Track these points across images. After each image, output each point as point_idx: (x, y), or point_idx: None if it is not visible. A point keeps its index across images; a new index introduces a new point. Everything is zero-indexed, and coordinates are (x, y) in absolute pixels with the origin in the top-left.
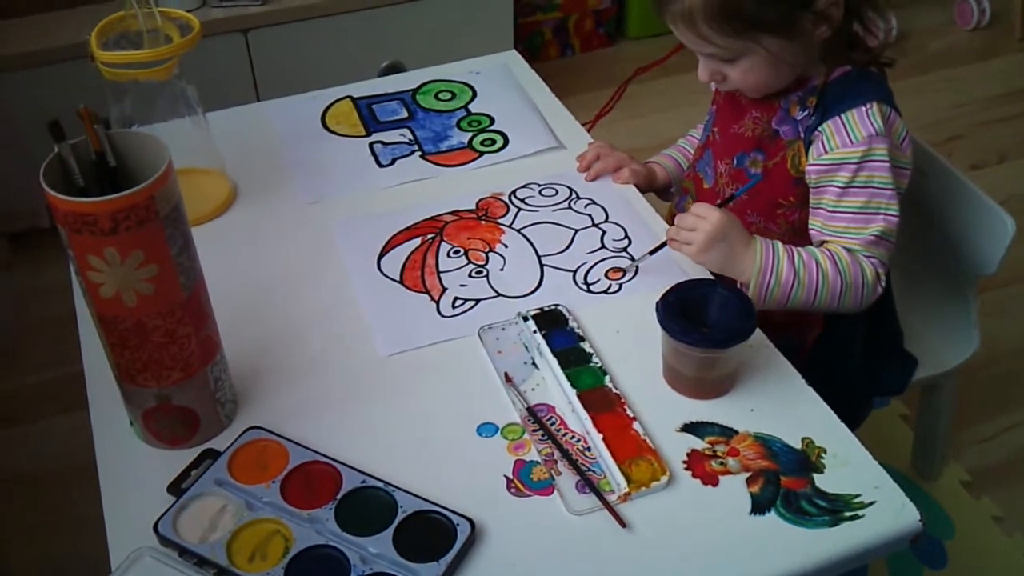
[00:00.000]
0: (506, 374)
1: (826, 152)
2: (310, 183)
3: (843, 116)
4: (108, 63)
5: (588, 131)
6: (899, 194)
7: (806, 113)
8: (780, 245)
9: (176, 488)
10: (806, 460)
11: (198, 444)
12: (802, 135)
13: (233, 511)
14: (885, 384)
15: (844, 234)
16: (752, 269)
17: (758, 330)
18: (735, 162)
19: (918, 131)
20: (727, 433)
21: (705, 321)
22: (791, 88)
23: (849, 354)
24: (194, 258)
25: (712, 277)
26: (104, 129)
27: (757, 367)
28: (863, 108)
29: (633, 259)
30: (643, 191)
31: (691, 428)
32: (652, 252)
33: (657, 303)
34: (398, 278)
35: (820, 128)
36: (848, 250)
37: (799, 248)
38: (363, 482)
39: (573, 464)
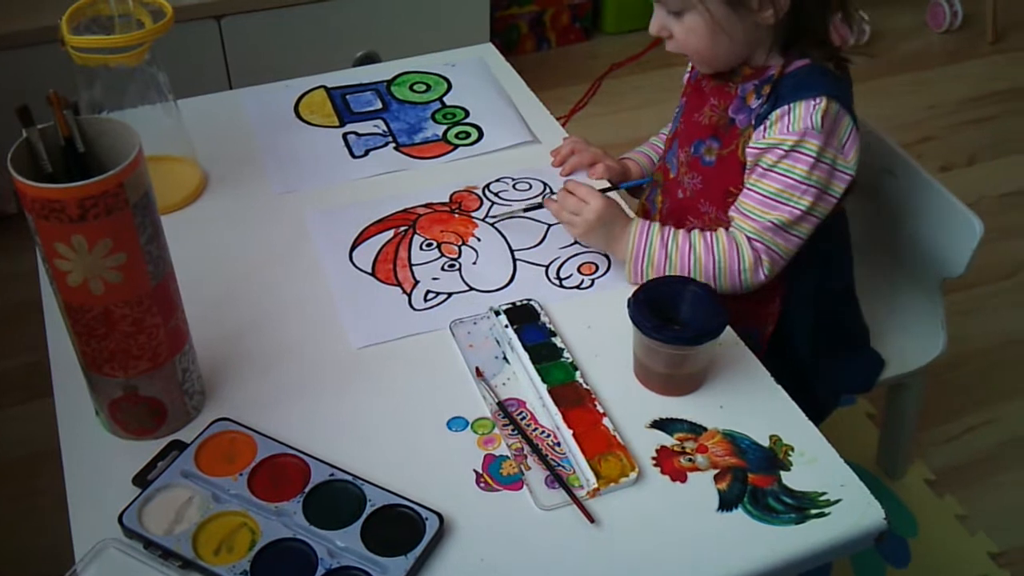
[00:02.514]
0: (477, 368)
1: (765, 137)
2: (282, 173)
3: (791, 105)
4: (79, 48)
5: (563, 126)
6: (826, 194)
7: (760, 101)
8: (657, 227)
9: (142, 479)
10: (774, 457)
11: (165, 435)
12: (753, 123)
13: (199, 503)
14: (852, 382)
15: (747, 213)
16: (626, 250)
17: (728, 328)
18: (692, 150)
19: (889, 132)
20: (696, 430)
21: (676, 318)
22: (748, 76)
23: (799, 352)
24: (163, 247)
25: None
26: (73, 114)
27: (727, 364)
28: (811, 102)
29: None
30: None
31: (660, 424)
32: (526, 210)
33: (629, 299)
34: (370, 270)
35: (769, 116)
36: (734, 235)
37: (679, 231)
38: (332, 475)
39: (543, 459)
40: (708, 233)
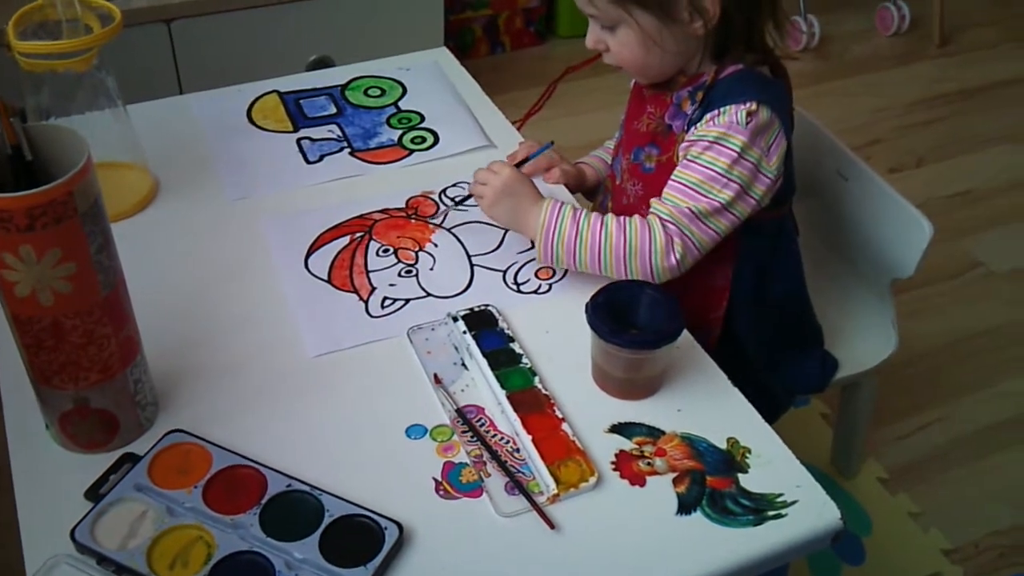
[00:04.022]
0: (435, 375)
1: (693, 134)
2: (235, 179)
3: (722, 108)
4: (25, 53)
5: (518, 129)
6: (747, 194)
7: (695, 107)
8: (569, 206)
9: (94, 494)
10: (731, 460)
11: (117, 448)
12: (687, 128)
13: (153, 517)
14: (806, 383)
15: (666, 199)
16: (537, 224)
17: (685, 331)
18: (632, 157)
19: (839, 134)
20: (654, 433)
21: (634, 322)
22: (683, 83)
23: (749, 355)
24: (114, 256)
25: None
26: (20, 122)
27: (684, 368)
28: (741, 105)
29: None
30: (573, 191)
31: (619, 429)
32: (460, 202)
33: (587, 304)
34: (326, 277)
35: (700, 119)
36: (648, 218)
37: (593, 212)
38: (289, 486)
39: (502, 466)
40: (623, 216)
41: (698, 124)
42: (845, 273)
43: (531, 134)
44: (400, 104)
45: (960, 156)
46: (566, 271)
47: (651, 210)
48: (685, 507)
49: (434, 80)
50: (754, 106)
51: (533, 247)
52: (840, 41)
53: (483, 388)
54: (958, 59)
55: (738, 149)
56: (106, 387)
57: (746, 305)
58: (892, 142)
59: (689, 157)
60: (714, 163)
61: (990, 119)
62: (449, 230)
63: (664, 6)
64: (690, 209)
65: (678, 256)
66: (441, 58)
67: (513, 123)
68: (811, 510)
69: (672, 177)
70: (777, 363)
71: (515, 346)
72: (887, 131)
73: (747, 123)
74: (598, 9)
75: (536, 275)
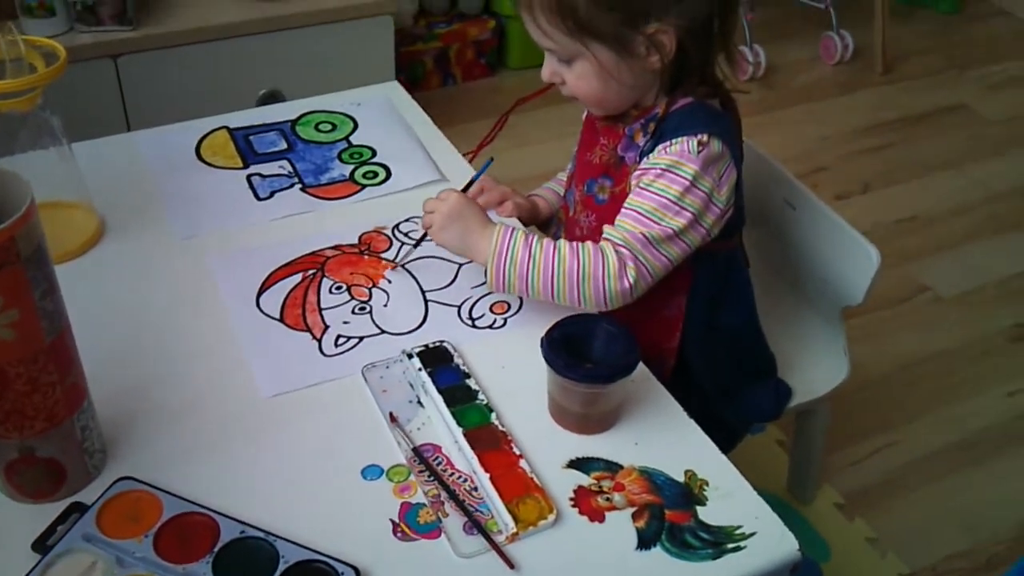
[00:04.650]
0: (391, 414)
1: (645, 163)
2: (184, 217)
3: (673, 140)
4: None
5: (470, 161)
6: (699, 224)
7: (647, 138)
8: (520, 231)
9: (41, 545)
10: (689, 493)
11: (65, 497)
12: (639, 159)
13: (103, 568)
14: (760, 411)
15: (619, 225)
16: (488, 249)
17: (641, 364)
18: (586, 188)
19: (785, 162)
20: (612, 468)
21: (589, 356)
22: (635, 116)
23: (704, 385)
24: (58, 301)
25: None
26: None
27: (640, 400)
28: (692, 137)
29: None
30: (526, 224)
31: (577, 464)
32: (419, 242)
33: (542, 339)
34: (278, 316)
35: (652, 151)
36: (601, 244)
37: (545, 237)
38: (242, 532)
39: (460, 505)
40: (575, 241)
41: (650, 155)
42: (796, 301)
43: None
44: (351, 139)
45: (905, 182)
46: (521, 305)
47: (604, 236)
48: (644, 542)
49: (386, 114)
50: (705, 137)
51: (486, 277)
52: (785, 70)
53: (439, 426)
54: (901, 87)
55: (690, 177)
56: (52, 435)
57: (699, 335)
58: (838, 169)
59: (641, 185)
60: (666, 191)
61: (933, 145)
62: (403, 266)
63: (621, 41)
64: (643, 235)
65: (631, 280)
66: (392, 92)
67: (465, 155)
68: (770, 541)
69: (625, 204)
70: (731, 393)
71: (471, 382)
72: (833, 158)
73: (698, 152)
74: (555, 43)
75: (491, 309)
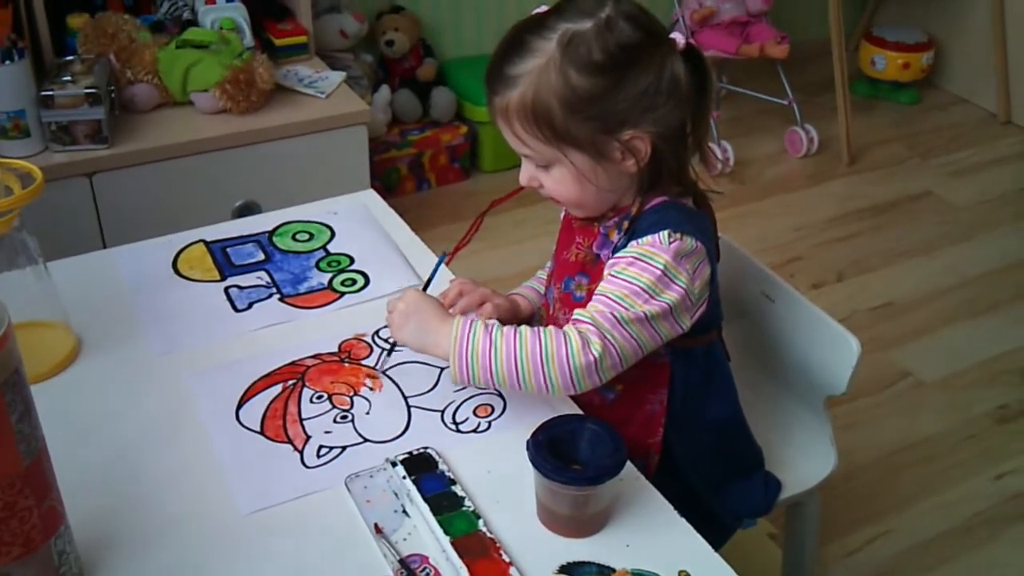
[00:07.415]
0: (376, 525)
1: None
2: (161, 333)
3: (645, 237)
4: None
5: (447, 264)
6: (670, 314)
7: (620, 236)
8: (480, 321)
9: None
10: None
11: None
12: (612, 256)
13: None
14: (750, 507)
15: (588, 308)
16: (448, 341)
17: (628, 463)
18: (563, 286)
19: (760, 254)
20: (605, 572)
21: (576, 458)
22: (610, 215)
23: (690, 481)
24: (35, 424)
25: (580, 412)
26: None
27: (629, 500)
28: (664, 233)
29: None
30: (507, 324)
31: (568, 569)
32: (394, 346)
33: (528, 442)
34: (259, 428)
35: (626, 247)
36: (564, 328)
37: (505, 325)
38: None
39: None
40: (538, 327)
41: (623, 249)
42: (779, 393)
43: (460, 267)
44: (329, 247)
45: (878, 269)
46: (505, 408)
47: (572, 318)
48: None
49: (362, 222)
50: (678, 234)
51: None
52: (754, 165)
53: (426, 535)
54: (868, 176)
55: (661, 267)
56: (28, 561)
57: (683, 430)
58: (812, 259)
59: (613, 273)
60: (637, 278)
61: (903, 232)
62: (384, 372)
63: (597, 147)
64: (612, 314)
65: (596, 354)
66: (368, 199)
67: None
68: None
69: (596, 291)
70: (720, 488)
71: (457, 488)
72: (806, 248)
73: (670, 243)
74: (532, 150)
75: (475, 413)
